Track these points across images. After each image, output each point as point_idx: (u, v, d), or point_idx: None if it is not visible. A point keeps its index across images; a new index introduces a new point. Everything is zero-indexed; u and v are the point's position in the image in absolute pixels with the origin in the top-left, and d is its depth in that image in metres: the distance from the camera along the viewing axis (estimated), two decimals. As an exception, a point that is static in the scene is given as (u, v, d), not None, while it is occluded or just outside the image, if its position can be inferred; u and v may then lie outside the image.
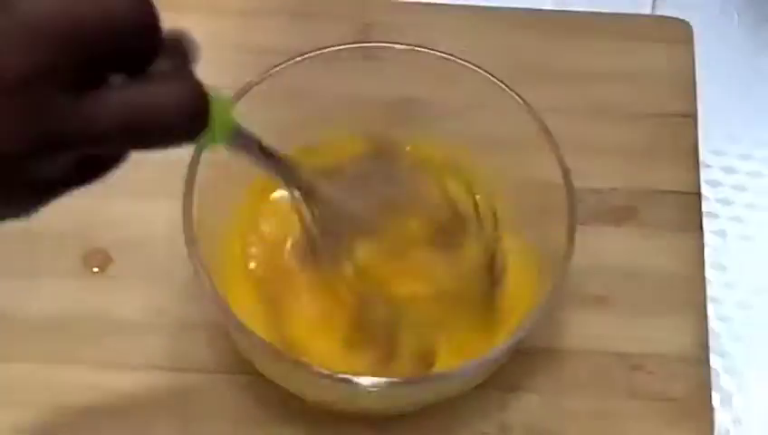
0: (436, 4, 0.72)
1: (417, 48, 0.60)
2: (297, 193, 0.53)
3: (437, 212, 0.58)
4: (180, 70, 0.41)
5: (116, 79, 0.39)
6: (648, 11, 0.74)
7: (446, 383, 0.55)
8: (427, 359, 0.56)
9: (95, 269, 0.62)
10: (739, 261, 0.66)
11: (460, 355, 0.55)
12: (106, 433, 0.58)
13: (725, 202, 0.67)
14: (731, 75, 0.72)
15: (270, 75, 0.58)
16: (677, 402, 0.59)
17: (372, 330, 0.56)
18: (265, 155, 0.49)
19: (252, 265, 0.59)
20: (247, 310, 0.55)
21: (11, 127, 0.37)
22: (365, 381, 0.52)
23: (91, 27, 0.38)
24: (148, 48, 0.40)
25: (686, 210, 0.65)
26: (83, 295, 0.61)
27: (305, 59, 0.59)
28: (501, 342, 0.54)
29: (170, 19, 0.40)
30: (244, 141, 0.47)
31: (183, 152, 0.46)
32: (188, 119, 0.40)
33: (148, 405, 0.58)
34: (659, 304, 0.62)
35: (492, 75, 0.58)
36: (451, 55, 0.59)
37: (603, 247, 0.58)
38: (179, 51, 0.41)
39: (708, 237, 0.64)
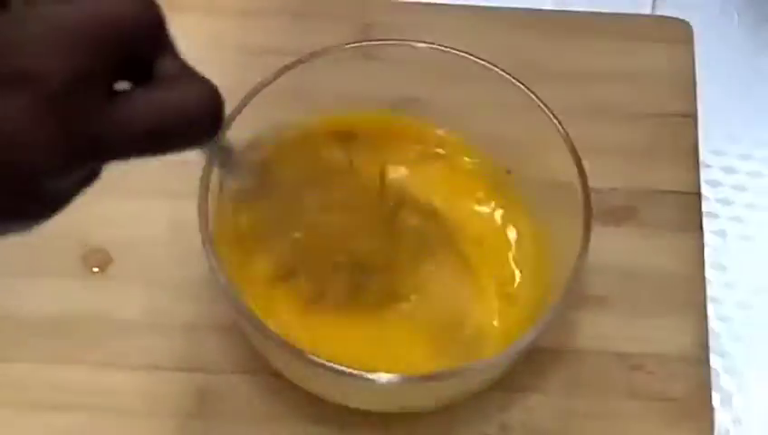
0: (436, 4, 0.72)
1: (422, 45, 0.60)
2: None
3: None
4: (185, 70, 0.41)
5: (121, 85, 0.39)
6: (647, 11, 0.74)
7: (459, 381, 0.55)
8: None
9: (95, 269, 0.62)
10: (739, 261, 0.66)
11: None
12: (106, 433, 0.58)
13: (725, 202, 0.67)
14: (731, 75, 0.72)
15: (270, 75, 0.58)
16: (677, 402, 0.59)
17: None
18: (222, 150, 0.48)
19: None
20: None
21: (51, 136, 0.37)
22: (381, 377, 0.52)
23: (122, 31, 0.38)
24: (157, 50, 0.40)
25: (686, 210, 0.65)
26: (83, 295, 0.61)
27: (305, 59, 0.59)
28: (519, 338, 0.54)
29: (170, 19, 0.40)
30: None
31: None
32: (210, 118, 0.40)
33: (149, 405, 0.58)
34: (659, 304, 0.62)
35: (505, 71, 0.59)
36: (460, 51, 0.60)
37: (603, 247, 0.58)
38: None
39: (708, 237, 0.64)
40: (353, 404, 0.56)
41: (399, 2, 0.71)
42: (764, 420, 0.61)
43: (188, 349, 0.60)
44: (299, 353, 0.52)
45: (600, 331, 0.61)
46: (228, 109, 0.42)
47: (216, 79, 0.42)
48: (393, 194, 0.61)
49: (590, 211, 0.55)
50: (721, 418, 0.60)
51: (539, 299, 0.57)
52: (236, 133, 0.51)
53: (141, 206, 0.63)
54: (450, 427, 0.58)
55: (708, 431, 0.58)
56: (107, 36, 0.37)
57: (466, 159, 0.62)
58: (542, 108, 0.58)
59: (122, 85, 0.39)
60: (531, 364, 0.58)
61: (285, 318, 0.57)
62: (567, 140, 0.57)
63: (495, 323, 0.58)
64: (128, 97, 0.39)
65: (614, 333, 0.61)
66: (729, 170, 0.68)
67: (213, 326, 0.60)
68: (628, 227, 0.64)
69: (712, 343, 0.61)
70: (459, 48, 0.60)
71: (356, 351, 0.55)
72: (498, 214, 0.61)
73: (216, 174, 0.54)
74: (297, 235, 0.59)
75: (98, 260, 0.62)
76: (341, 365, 0.51)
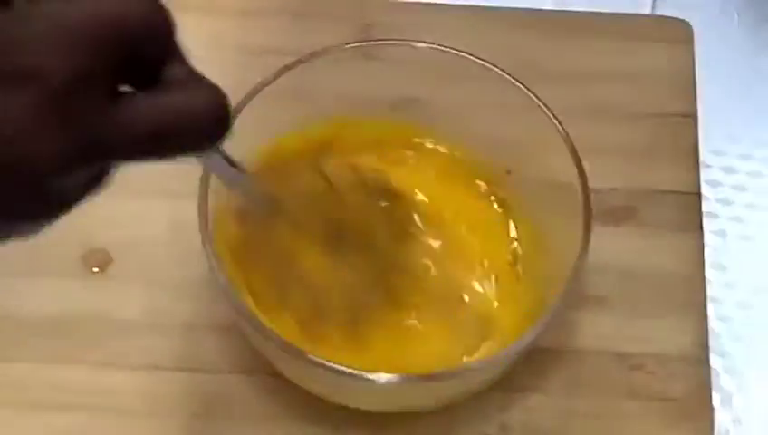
0: (436, 4, 0.72)
1: (422, 45, 0.60)
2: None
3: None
4: (193, 75, 0.40)
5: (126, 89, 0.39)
6: (647, 11, 0.74)
7: (459, 381, 0.55)
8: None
9: (95, 269, 0.62)
10: (739, 261, 0.65)
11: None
12: (106, 433, 0.58)
13: (725, 202, 0.67)
14: (731, 75, 0.72)
15: (270, 75, 0.58)
16: (677, 402, 0.59)
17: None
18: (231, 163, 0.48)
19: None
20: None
21: (53, 134, 0.36)
22: (380, 377, 0.52)
23: (124, 31, 0.37)
24: (163, 54, 0.39)
25: (686, 210, 0.65)
26: (83, 295, 0.61)
27: (305, 59, 0.59)
28: (518, 338, 0.54)
29: (171, 19, 0.40)
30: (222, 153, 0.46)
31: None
32: (216, 123, 0.39)
33: (148, 405, 0.58)
34: (659, 304, 0.62)
35: (505, 71, 0.59)
36: (460, 51, 0.60)
37: (603, 247, 0.58)
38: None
39: (708, 237, 0.64)
40: (353, 404, 0.56)
41: (399, 2, 0.71)
42: (764, 420, 0.61)
43: (188, 349, 0.60)
44: (299, 354, 0.52)
45: (599, 331, 0.61)
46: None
47: (216, 79, 0.41)
48: (392, 196, 0.61)
49: (590, 211, 0.55)
50: (721, 418, 0.60)
51: (539, 299, 0.57)
52: (236, 135, 0.51)
53: (141, 206, 0.63)
54: (450, 427, 0.58)
55: (708, 432, 0.58)
56: (109, 36, 0.37)
57: (466, 159, 0.62)
58: (542, 108, 0.58)
59: (128, 89, 0.39)
60: (530, 364, 0.58)
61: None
62: (567, 140, 0.57)
63: (495, 323, 0.58)
64: (131, 98, 0.38)
65: (614, 334, 0.61)
66: (729, 170, 0.68)
67: (212, 326, 0.60)
68: (627, 227, 0.64)
69: (712, 342, 0.61)
70: (459, 48, 0.60)
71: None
72: (498, 214, 0.61)
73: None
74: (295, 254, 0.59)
75: (98, 260, 0.62)
76: (341, 365, 0.51)
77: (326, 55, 0.59)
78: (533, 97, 0.58)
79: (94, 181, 0.40)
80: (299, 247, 0.58)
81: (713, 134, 0.69)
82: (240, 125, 0.54)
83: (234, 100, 0.54)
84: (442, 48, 0.60)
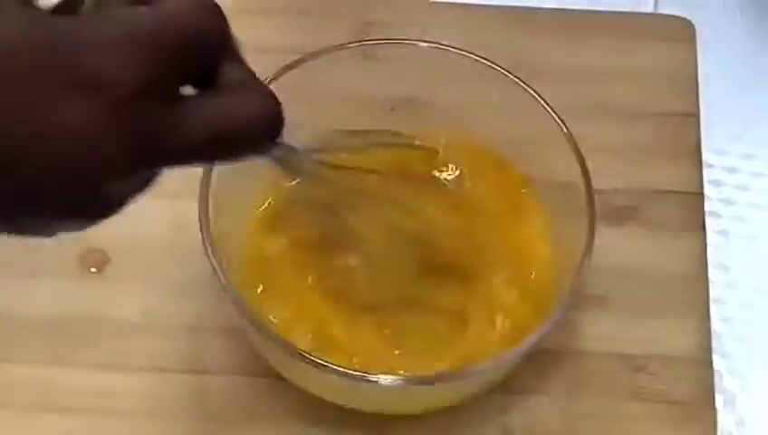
0: (435, 4, 0.72)
1: (422, 45, 0.60)
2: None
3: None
4: (248, 76, 0.41)
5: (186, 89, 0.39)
6: (649, 9, 0.74)
7: (463, 383, 0.55)
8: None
9: (93, 269, 0.62)
10: (742, 261, 0.65)
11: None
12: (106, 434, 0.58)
13: (728, 202, 0.67)
14: (733, 74, 0.72)
15: (270, 75, 0.58)
16: (680, 404, 0.59)
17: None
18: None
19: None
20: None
21: (119, 141, 0.37)
22: (382, 379, 0.52)
23: (191, 40, 0.38)
24: (222, 57, 0.40)
25: (689, 210, 0.64)
26: (81, 296, 0.61)
27: (305, 59, 0.59)
28: (525, 338, 0.54)
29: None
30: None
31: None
32: (271, 126, 0.41)
33: (148, 406, 0.58)
34: (662, 304, 0.61)
35: (506, 70, 0.59)
36: (461, 50, 0.59)
37: (605, 247, 0.57)
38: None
39: (711, 237, 0.64)
40: (354, 406, 0.56)
41: (399, 1, 0.71)
42: None
43: (188, 350, 0.59)
44: (299, 354, 0.52)
45: (601, 332, 0.60)
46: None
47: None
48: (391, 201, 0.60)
49: (594, 211, 0.55)
50: (724, 419, 0.60)
51: (542, 300, 0.56)
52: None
53: (139, 206, 0.62)
54: (450, 429, 0.58)
55: (711, 433, 0.58)
56: (177, 45, 0.38)
57: (466, 159, 0.62)
58: (544, 107, 0.58)
59: (187, 90, 0.39)
60: (532, 366, 0.58)
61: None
62: (570, 139, 0.57)
63: (498, 324, 0.58)
64: (193, 104, 0.39)
65: (616, 334, 0.60)
66: (732, 170, 0.68)
67: (212, 327, 0.60)
68: (630, 227, 0.64)
69: (715, 343, 0.61)
70: (460, 47, 0.59)
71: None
72: (500, 215, 0.61)
73: (215, 175, 0.54)
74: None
75: (95, 260, 0.62)
76: (342, 366, 0.51)
77: (326, 55, 0.59)
78: (536, 96, 0.58)
79: (146, 183, 0.40)
80: (346, 235, 0.57)
81: (715, 133, 0.68)
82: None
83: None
84: (443, 47, 0.60)
